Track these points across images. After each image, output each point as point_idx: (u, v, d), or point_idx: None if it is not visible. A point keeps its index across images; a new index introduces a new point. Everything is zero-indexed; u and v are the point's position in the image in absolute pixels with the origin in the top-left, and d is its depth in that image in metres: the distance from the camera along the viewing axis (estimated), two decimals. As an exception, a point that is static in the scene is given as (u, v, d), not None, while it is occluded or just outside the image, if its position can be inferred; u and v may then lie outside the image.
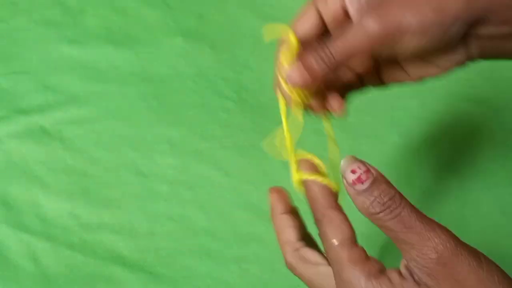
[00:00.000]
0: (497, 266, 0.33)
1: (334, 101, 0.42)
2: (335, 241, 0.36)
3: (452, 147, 0.72)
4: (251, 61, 0.79)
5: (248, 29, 0.82)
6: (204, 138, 0.71)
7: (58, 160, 0.67)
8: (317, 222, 0.38)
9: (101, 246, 0.61)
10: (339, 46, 0.38)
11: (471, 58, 0.40)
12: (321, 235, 0.37)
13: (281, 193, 0.43)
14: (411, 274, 0.34)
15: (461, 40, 0.38)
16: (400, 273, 0.34)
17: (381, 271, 0.35)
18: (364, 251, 0.36)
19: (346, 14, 0.41)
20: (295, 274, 0.40)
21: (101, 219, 0.63)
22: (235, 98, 0.75)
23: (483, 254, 0.33)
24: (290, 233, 0.41)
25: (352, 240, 0.36)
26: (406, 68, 0.42)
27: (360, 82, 0.45)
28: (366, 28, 0.37)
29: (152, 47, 0.79)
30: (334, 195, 0.39)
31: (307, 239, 0.42)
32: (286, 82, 0.40)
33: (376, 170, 0.35)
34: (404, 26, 0.37)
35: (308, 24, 0.42)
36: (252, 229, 0.64)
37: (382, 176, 0.35)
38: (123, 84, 0.75)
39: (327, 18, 0.42)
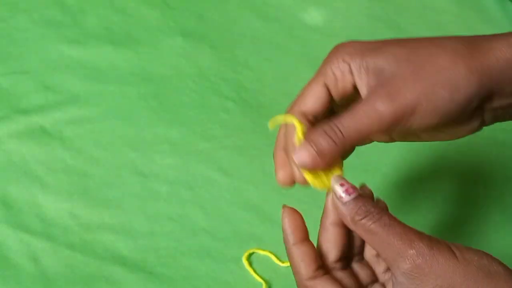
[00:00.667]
0: (472, 253, 0.35)
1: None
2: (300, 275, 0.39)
3: (452, 147, 0.72)
4: (251, 61, 0.79)
5: (248, 29, 0.82)
6: (204, 138, 0.71)
7: (58, 160, 0.67)
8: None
9: (101, 246, 0.61)
10: (350, 126, 0.38)
11: (484, 125, 0.40)
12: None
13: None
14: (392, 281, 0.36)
15: (474, 112, 0.38)
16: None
17: None
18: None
19: (355, 89, 0.41)
20: None
21: (101, 219, 0.63)
22: (235, 98, 0.75)
23: (459, 248, 0.35)
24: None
25: (313, 274, 0.38)
26: (418, 135, 0.42)
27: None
28: (377, 110, 0.37)
29: (152, 47, 0.79)
30: (303, 229, 0.40)
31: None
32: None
33: (362, 190, 0.39)
34: (416, 107, 0.36)
35: (315, 99, 0.41)
36: (252, 229, 0.64)
37: (365, 194, 0.39)
38: (123, 84, 0.75)
39: (336, 94, 0.41)
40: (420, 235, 0.35)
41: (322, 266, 0.39)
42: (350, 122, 0.37)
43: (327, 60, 0.41)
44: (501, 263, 0.35)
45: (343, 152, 0.38)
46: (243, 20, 0.84)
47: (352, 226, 0.37)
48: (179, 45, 0.79)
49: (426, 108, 0.36)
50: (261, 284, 0.60)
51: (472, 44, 0.37)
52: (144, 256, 0.61)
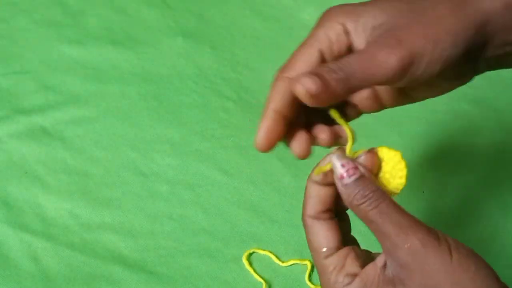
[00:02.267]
0: (470, 256, 0.34)
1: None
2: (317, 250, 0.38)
3: (452, 147, 0.72)
4: (251, 61, 0.79)
5: (248, 29, 0.83)
6: (204, 138, 0.71)
7: (58, 160, 0.67)
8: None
9: (101, 246, 0.62)
10: (357, 68, 0.36)
11: (476, 74, 0.40)
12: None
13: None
14: (385, 268, 0.35)
15: (470, 61, 0.38)
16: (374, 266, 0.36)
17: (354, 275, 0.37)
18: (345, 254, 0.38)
19: (351, 51, 0.39)
20: None
21: (101, 219, 0.63)
22: (235, 98, 0.75)
23: (455, 247, 0.34)
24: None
25: (330, 251, 0.38)
26: (410, 92, 0.41)
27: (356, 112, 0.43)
28: (385, 55, 0.36)
29: (152, 47, 0.79)
30: (326, 202, 0.39)
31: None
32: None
33: (365, 169, 0.37)
34: (423, 53, 0.36)
35: (307, 64, 0.39)
36: (252, 229, 0.64)
37: (369, 174, 0.37)
38: (123, 84, 0.75)
39: (331, 58, 0.39)
40: (417, 227, 0.35)
41: (330, 212, 0.39)
42: (356, 65, 0.36)
43: (320, 24, 0.39)
44: (498, 280, 0.34)
45: (345, 92, 0.36)
46: (243, 20, 0.84)
47: (350, 207, 0.37)
48: (179, 45, 0.79)
49: (432, 55, 0.36)
50: (261, 284, 0.60)
51: None
52: (144, 255, 0.61)
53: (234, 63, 0.78)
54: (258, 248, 0.62)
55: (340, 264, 0.38)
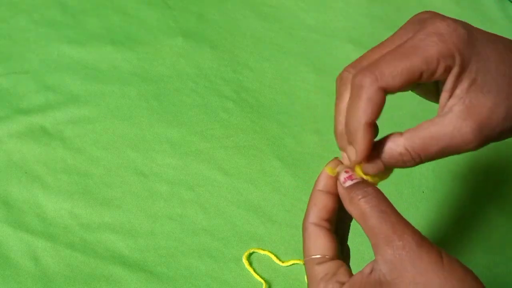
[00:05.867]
0: (459, 262, 0.35)
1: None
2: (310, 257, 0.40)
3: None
4: (251, 61, 0.79)
5: (248, 29, 0.83)
6: (204, 138, 0.71)
7: (58, 160, 0.67)
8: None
9: (101, 246, 0.62)
10: (426, 145, 0.38)
11: None
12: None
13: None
14: (371, 273, 0.36)
15: None
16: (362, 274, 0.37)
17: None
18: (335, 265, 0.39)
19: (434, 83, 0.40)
20: None
21: (101, 218, 0.63)
22: (235, 98, 0.75)
23: (444, 252, 0.35)
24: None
25: (318, 222, 0.40)
26: None
27: None
28: (464, 136, 0.37)
29: (152, 47, 0.79)
30: (329, 211, 0.40)
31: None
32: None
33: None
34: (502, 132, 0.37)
35: (404, 77, 0.37)
36: (252, 229, 0.64)
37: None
38: (123, 84, 0.75)
39: (425, 78, 0.38)
40: (413, 230, 0.35)
41: (330, 222, 0.40)
42: (437, 141, 0.37)
43: (432, 41, 0.37)
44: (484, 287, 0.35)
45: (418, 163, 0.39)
46: (243, 20, 0.84)
47: (349, 207, 0.38)
48: (179, 45, 0.79)
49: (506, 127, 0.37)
50: (261, 284, 0.60)
51: None
52: (144, 255, 0.61)
53: (234, 63, 0.78)
54: (258, 248, 0.63)
55: (332, 272, 0.38)
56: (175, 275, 0.60)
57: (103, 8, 0.83)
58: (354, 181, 0.38)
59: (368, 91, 0.36)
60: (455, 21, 0.38)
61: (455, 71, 0.37)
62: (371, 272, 0.36)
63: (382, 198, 0.37)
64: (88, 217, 0.63)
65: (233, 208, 0.65)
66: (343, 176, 0.39)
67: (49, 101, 0.72)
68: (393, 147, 0.38)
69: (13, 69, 0.75)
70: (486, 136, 0.37)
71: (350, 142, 0.38)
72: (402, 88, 0.37)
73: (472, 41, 0.37)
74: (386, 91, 0.36)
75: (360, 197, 0.37)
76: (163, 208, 0.65)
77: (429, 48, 0.36)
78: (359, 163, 0.39)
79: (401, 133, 0.39)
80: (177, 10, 0.83)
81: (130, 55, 0.78)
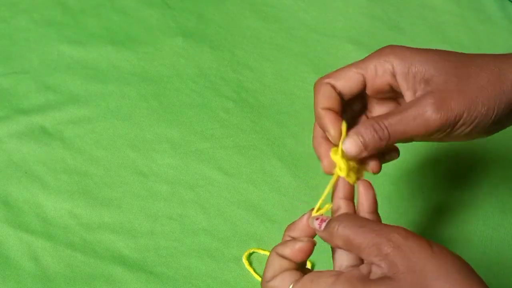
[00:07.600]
0: (447, 249, 0.37)
1: (373, 164, 0.46)
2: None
3: (452, 146, 0.72)
4: (251, 61, 0.79)
5: (248, 29, 0.83)
6: (204, 138, 0.71)
7: (58, 160, 0.67)
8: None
9: (101, 246, 0.62)
10: (397, 126, 0.43)
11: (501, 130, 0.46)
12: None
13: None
14: (369, 274, 0.38)
15: (497, 125, 0.44)
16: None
17: None
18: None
19: (391, 89, 0.45)
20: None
21: (101, 218, 0.63)
22: (235, 98, 0.75)
23: (432, 241, 0.37)
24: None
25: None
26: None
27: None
28: (425, 116, 0.42)
29: (152, 47, 0.79)
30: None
31: None
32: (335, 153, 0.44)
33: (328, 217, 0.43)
34: (460, 118, 0.42)
35: (350, 82, 0.45)
36: (252, 229, 0.64)
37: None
38: (123, 84, 0.75)
39: (370, 88, 0.45)
40: (397, 228, 0.38)
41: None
42: (397, 124, 0.43)
43: (373, 56, 0.45)
44: (473, 270, 0.37)
45: (385, 147, 0.43)
46: (243, 20, 0.84)
47: (333, 242, 0.41)
48: (179, 45, 0.79)
49: (466, 120, 0.42)
50: (261, 284, 0.60)
51: (501, 66, 0.44)
52: (144, 255, 0.61)
53: (234, 63, 0.78)
54: (258, 248, 0.63)
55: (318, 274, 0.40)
56: (175, 275, 0.60)
57: (103, 8, 0.83)
58: (327, 220, 0.42)
59: (320, 87, 0.45)
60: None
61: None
62: (369, 273, 0.37)
63: (355, 217, 0.41)
64: (88, 217, 0.63)
65: (233, 208, 0.65)
66: (316, 223, 0.42)
67: (49, 101, 0.72)
68: (366, 120, 0.45)
69: (13, 69, 0.75)
70: (448, 117, 0.42)
71: (325, 131, 0.45)
72: (351, 90, 0.45)
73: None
74: (335, 87, 0.45)
75: (337, 227, 0.40)
76: (163, 208, 0.65)
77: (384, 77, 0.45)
78: (337, 144, 0.44)
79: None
80: (177, 10, 0.84)
81: (130, 55, 0.78)
